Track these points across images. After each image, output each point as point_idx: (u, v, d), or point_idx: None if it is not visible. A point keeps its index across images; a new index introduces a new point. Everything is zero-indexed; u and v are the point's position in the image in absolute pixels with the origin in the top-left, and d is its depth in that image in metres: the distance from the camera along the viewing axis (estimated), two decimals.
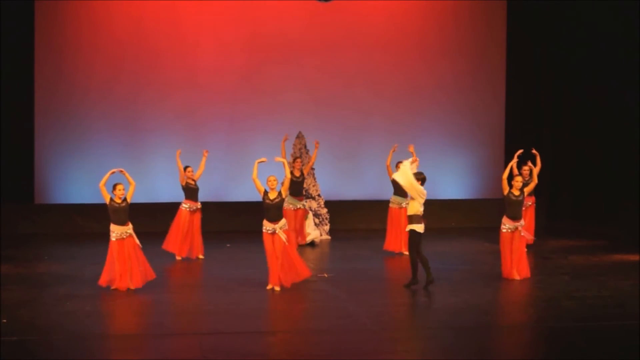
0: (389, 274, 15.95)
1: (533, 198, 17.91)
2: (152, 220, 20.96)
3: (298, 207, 17.42)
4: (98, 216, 20.72)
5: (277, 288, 13.58)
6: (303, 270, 13.87)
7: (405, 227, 17.19)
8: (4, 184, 20.11)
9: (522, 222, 14.65)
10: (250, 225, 20.69)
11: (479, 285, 13.93)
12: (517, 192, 14.36)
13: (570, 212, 21.58)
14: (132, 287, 13.31)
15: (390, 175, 17.04)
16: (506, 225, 14.44)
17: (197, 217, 16.87)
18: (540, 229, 18.70)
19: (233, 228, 20.50)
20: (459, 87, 22.46)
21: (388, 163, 17.49)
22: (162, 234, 19.77)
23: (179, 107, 21.33)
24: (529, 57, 22.65)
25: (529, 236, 15.91)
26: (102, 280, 13.46)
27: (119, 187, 13.71)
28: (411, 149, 16.90)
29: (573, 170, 22.27)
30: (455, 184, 22.38)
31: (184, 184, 16.91)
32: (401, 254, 17.15)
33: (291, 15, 21.72)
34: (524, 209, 17.50)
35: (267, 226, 13.76)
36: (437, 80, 22.34)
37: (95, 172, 20.90)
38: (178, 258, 16.66)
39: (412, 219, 13.68)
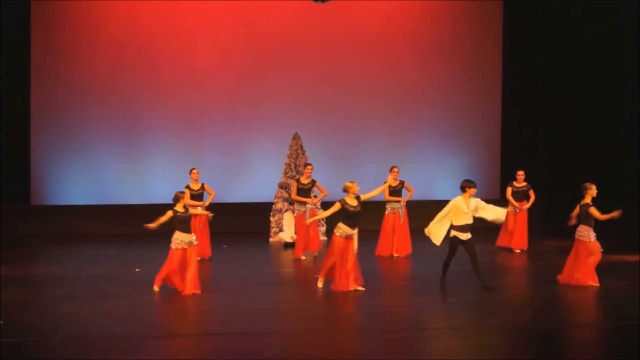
0: (385, 275, 15.95)
1: (524, 202, 17.97)
2: (149, 221, 20.94)
3: (303, 211, 17.32)
4: (95, 217, 20.80)
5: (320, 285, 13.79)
6: (359, 279, 13.83)
7: (399, 231, 17.32)
8: (1, 186, 20.07)
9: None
10: (248, 227, 20.82)
11: (476, 286, 13.92)
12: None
13: (566, 213, 21.54)
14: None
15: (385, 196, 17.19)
16: None
17: (201, 219, 16.80)
18: (536, 230, 18.71)
19: (230, 229, 20.48)
20: (455, 88, 22.46)
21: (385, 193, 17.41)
22: (159, 235, 19.74)
23: (177, 109, 21.32)
24: (525, 57, 22.67)
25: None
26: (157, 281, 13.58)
27: (181, 196, 13.79)
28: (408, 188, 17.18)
29: (569, 170, 22.27)
30: (451, 185, 22.29)
31: (189, 195, 16.79)
32: (392, 256, 17.18)
33: (289, 16, 21.72)
34: (512, 214, 17.66)
35: (345, 231, 13.64)
36: (434, 82, 22.35)
37: (92, 173, 20.97)
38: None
39: (457, 227, 13.81)
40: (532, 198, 18.00)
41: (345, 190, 13.77)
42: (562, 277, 14.20)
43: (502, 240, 18.25)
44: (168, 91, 21.29)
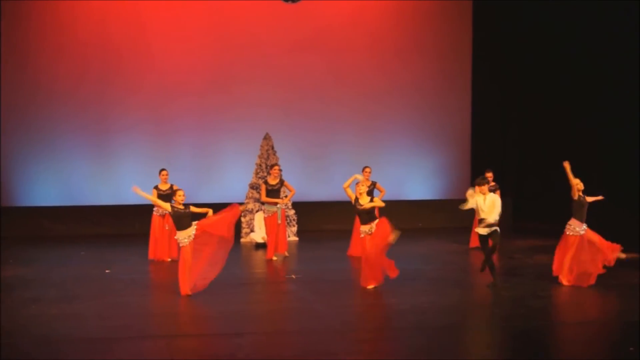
0: (357, 275, 15.96)
1: None
2: (118, 222, 20.94)
3: (274, 212, 17.22)
4: (64, 219, 20.70)
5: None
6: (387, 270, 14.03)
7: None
8: None
9: None
10: None
11: (446, 286, 14.00)
12: None
13: (536, 211, 21.74)
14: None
15: (350, 197, 17.23)
16: None
17: (169, 219, 16.83)
18: (506, 229, 18.82)
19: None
20: (425, 89, 22.58)
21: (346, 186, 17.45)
22: (129, 236, 19.76)
23: (146, 109, 21.28)
24: (494, 58, 22.81)
25: None
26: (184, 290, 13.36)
27: (179, 192, 13.65)
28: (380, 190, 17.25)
29: (539, 170, 22.43)
30: (422, 184, 22.49)
31: (156, 196, 16.79)
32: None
33: (260, 15, 21.73)
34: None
35: (362, 229, 13.91)
36: (404, 82, 22.44)
37: (60, 174, 20.87)
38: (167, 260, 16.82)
39: (478, 222, 14.02)
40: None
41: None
42: (563, 275, 14.31)
43: (474, 241, 18.33)
44: (138, 91, 21.25)
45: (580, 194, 14.22)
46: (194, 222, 13.36)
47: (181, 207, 13.52)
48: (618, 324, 11.98)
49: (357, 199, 14.03)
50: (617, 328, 11.74)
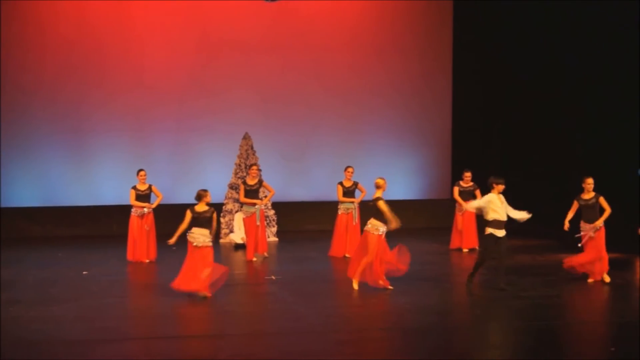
0: (337, 276, 16.02)
1: (471, 201, 18.18)
2: (96, 223, 20.90)
3: (253, 212, 17.19)
4: (41, 220, 20.64)
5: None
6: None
7: (351, 232, 17.40)
8: None
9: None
10: None
11: (428, 286, 14.07)
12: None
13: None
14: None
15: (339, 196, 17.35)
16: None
17: (148, 219, 16.84)
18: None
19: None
20: (405, 88, 22.65)
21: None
22: (107, 237, 19.72)
23: (124, 109, 21.26)
24: (475, 57, 22.89)
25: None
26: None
27: (207, 194, 13.65)
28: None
29: (521, 169, 22.53)
30: (403, 184, 22.55)
31: (135, 196, 16.80)
32: (345, 257, 17.27)
33: (240, 14, 21.75)
34: (460, 214, 17.92)
35: (381, 228, 13.85)
36: (384, 81, 22.51)
37: (38, 175, 20.81)
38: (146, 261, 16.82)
39: (491, 223, 13.84)
40: (479, 198, 18.19)
41: (378, 186, 13.99)
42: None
43: (455, 242, 18.43)
44: (116, 91, 21.22)
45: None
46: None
47: (204, 209, 13.47)
48: (601, 324, 12.09)
49: (380, 198, 13.90)
50: (599, 328, 11.84)
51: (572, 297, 13.58)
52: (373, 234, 13.83)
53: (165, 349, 10.57)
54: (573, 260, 14.67)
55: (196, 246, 13.33)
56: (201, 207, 13.44)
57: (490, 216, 13.81)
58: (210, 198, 13.47)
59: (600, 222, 14.28)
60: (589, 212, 14.38)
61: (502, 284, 13.72)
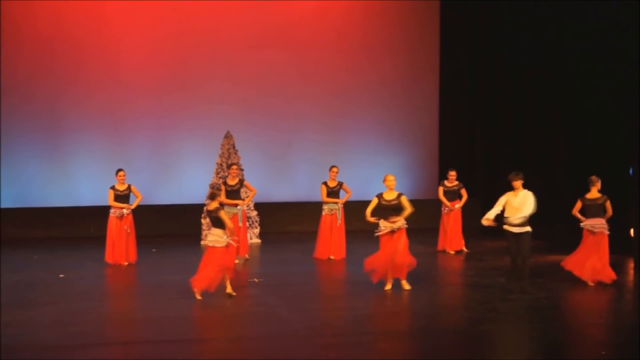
0: (321, 278, 16.00)
1: (457, 201, 18.18)
2: (73, 224, 20.79)
3: (235, 213, 17.13)
4: (15, 221, 20.51)
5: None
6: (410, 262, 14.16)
7: (335, 233, 17.36)
8: None
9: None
10: (178, 229, 20.71)
11: (414, 289, 14.04)
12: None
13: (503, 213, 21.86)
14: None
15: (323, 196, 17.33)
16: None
17: (128, 220, 16.76)
18: (475, 230, 18.91)
19: (159, 232, 20.41)
20: (391, 87, 22.64)
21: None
22: (84, 239, 19.62)
23: (102, 107, 21.15)
24: (462, 56, 22.93)
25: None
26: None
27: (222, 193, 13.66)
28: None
29: (507, 169, 22.53)
30: None
31: (113, 197, 16.73)
32: (329, 259, 17.24)
33: (221, 9, 21.68)
34: (445, 215, 17.90)
35: (383, 225, 14.03)
36: (369, 80, 22.49)
37: (13, 175, 20.70)
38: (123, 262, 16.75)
39: (507, 220, 14.03)
40: (465, 197, 18.23)
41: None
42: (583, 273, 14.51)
43: (441, 243, 18.41)
44: (93, 89, 21.12)
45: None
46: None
47: (216, 206, 13.55)
48: (591, 326, 12.11)
49: (381, 194, 14.09)
50: (590, 330, 11.85)
51: (561, 299, 13.57)
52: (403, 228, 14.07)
53: (144, 354, 10.52)
54: (571, 262, 14.70)
55: (208, 245, 13.52)
56: (212, 206, 13.53)
57: (507, 213, 14.00)
58: (224, 197, 13.59)
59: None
60: (594, 211, 14.46)
61: (526, 285, 13.91)
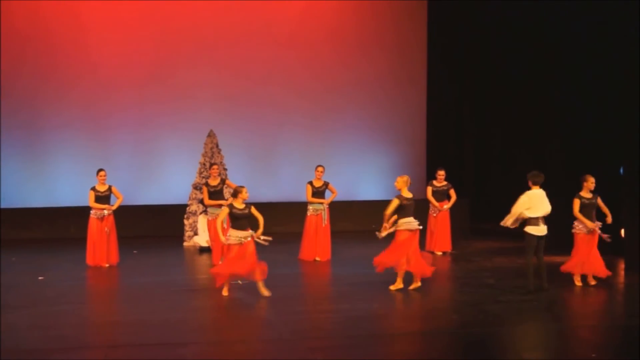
0: (306, 280, 16.00)
1: (445, 202, 18.17)
2: (52, 225, 20.72)
3: (218, 214, 17.09)
4: None
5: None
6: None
7: (321, 234, 17.36)
8: None
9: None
10: (160, 230, 20.69)
11: (402, 291, 14.06)
12: None
13: (494, 212, 21.89)
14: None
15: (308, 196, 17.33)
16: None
17: (109, 221, 16.73)
18: (464, 231, 18.96)
19: (141, 233, 20.37)
20: (378, 85, 22.67)
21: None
22: (64, 240, 19.55)
23: (81, 104, 21.11)
24: (451, 55, 22.98)
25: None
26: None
27: (243, 190, 13.72)
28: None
29: (497, 169, 22.63)
30: (375, 184, 22.57)
31: (94, 198, 16.68)
32: (315, 260, 17.24)
33: (203, 9, 21.64)
34: (433, 215, 17.94)
35: (411, 225, 14.21)
36: (357, 78, 22.51)
37: None
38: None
39: (529, 221, 13.93)
40: (453, 198, 18.20)
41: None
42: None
43: (428, 244, 18.42)
44: (72, 86, 21.07)
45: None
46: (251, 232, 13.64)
47: (241, 207, 13.60)
48: (581, 327, 12.15)
49: (401, 196, 14.22)
50: (580, 332, 11.89)
51: (551, 301, 13.60)
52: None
53: (126, 357, 10.50)
54: (569, 264, 14.81)
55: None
56: (239, 204, 13.66)
57: (528, 214, 13.91)
58: (245, 194, 13.58)
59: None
60: (589, 211, 14.54)
61: (545, 284, 13.99)
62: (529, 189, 14.11)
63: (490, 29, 22.16)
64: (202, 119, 21.03)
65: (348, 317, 12.58)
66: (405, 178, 14.43)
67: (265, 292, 13.58)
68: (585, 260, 14.53)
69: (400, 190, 14.31)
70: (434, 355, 10.77)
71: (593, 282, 14.57)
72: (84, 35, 21.16)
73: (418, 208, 14.59)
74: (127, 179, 20.44)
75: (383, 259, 14.21)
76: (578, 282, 14.57)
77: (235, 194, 13.70)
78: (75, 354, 10.63)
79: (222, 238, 13.73)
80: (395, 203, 14.12)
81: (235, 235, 13.58)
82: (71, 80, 21.07)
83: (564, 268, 14.76)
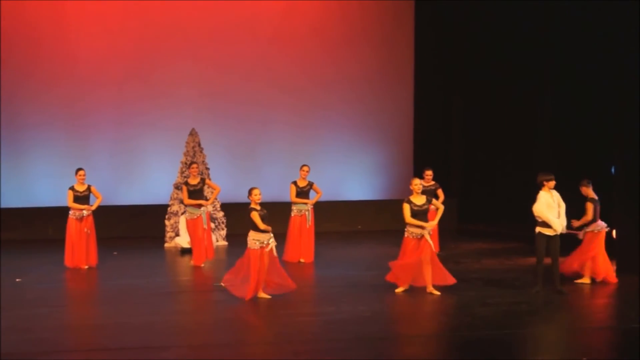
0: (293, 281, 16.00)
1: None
2: (30, 226, 20.65)
3: (198, 215, 17.12)
4: None
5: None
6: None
7: (305, 235, 17.37)
8: None
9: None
10: (140, 231, 20.64)
11: (389, 293, 14.08)
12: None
13: (482, 213, 21.98)
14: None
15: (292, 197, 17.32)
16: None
17: (88, 221, 16.70)
18: (452, 232, 19.02)
19: (121, 234, 20.34)
20: (365, 83, 22.66)
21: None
22: (42, 241, 19.48)
23: (60, 101, 21.04)
24: (438, 52, 22.99)
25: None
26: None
27: (254, 192, 13.89)
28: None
29: (485, 169, 22.68)
30: (362, 183, 22.59)
31: (72, 198, 16.65)
32: (299, 262, 17.26)
33: (185, 4, 21.58)
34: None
35: (414, 231, 14.17)
36: (343, 75, 22.50)
37: None
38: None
39: (541, 222, 14.02)
40: (441, 198, 18.18)
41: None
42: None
43: None
44: (50, 83, 20.99)
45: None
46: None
47: (258, 207, 13.70)
48: (572, 331, 12.22)
49: (410, 200, 14.19)
50: (570, 336, 11.97)
51: (541, 303, 13.64)
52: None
53: None
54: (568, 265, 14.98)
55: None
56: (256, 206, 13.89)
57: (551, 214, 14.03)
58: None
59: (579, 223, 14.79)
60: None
61: (558, 286, 14.05)
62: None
63: (479, 25, 22.21)
64: (183, 117, 21.00)
65: (333, 320, 12.60)
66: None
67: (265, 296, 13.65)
68: (588, 260, 14.77)
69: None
70: (421, 357, 10.80)
71: (587, 282, 14.76)
72: (62, 31, 21.09)
73: (400, 207, 14.58)
74: (107, 178, 20.39)
75: (399, 274, 14.26)
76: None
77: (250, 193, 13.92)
78: (54, 358, 10.62)
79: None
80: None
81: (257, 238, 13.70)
82: (49, 78, 21.00)
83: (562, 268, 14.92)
